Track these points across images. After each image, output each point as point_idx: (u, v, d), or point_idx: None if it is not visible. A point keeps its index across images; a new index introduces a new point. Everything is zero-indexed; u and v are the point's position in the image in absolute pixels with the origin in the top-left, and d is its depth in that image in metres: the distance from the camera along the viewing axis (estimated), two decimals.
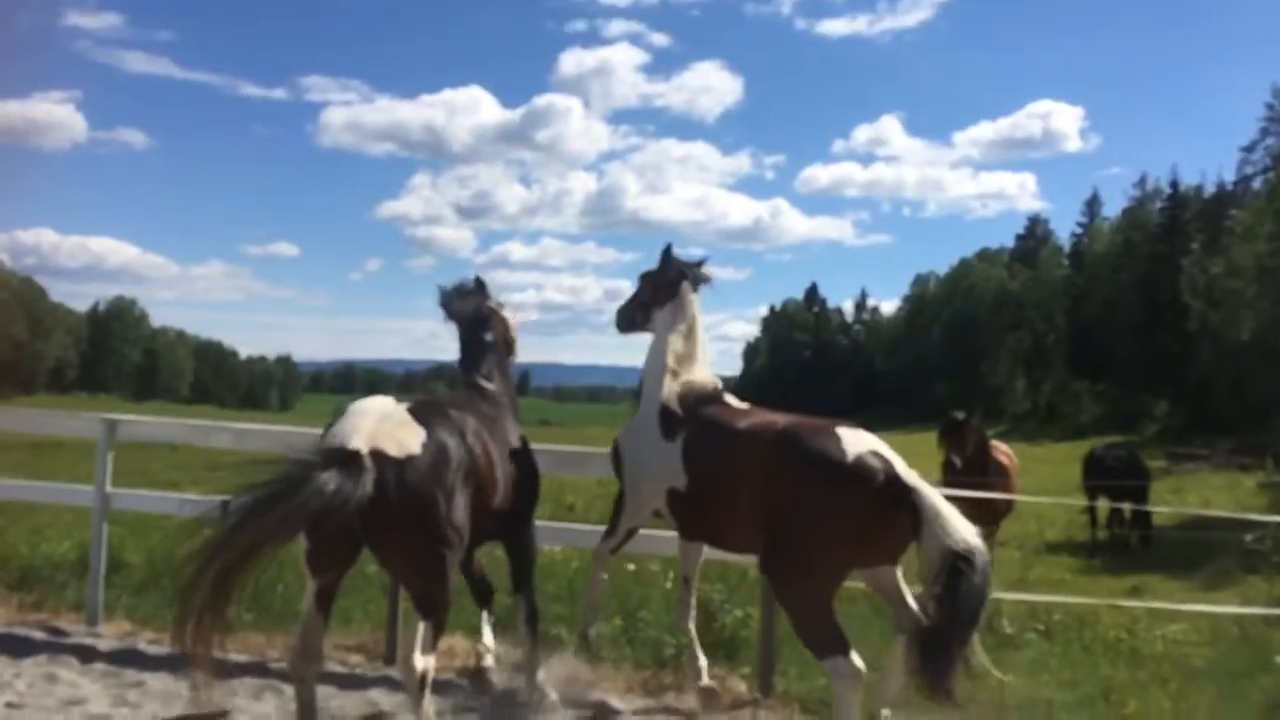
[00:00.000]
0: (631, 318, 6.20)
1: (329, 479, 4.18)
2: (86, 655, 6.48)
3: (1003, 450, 12.36)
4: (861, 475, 4.44)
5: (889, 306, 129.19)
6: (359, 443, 4.45)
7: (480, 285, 6.38)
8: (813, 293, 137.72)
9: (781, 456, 4.67)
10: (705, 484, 5.15)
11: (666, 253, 6.06)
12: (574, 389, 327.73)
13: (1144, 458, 20.77)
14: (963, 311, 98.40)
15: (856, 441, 4.58)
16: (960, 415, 11.53)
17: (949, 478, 10.91)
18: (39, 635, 6.92)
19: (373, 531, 4.47)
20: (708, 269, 6.05)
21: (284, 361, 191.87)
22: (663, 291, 5.97)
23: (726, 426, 5.17)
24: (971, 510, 9.71)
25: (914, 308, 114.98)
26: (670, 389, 5.59)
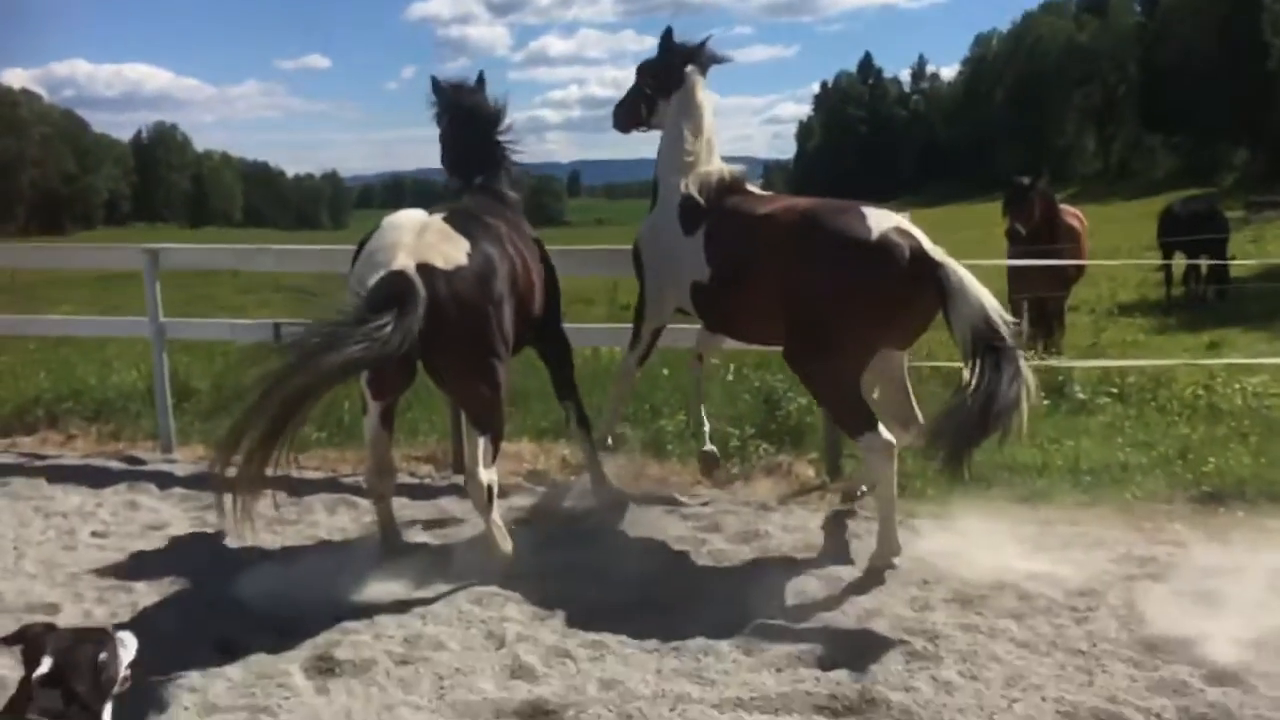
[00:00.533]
0: (634, 113, 5.90)
1: (385, 323, 4.04)
2: (164, 481, 6.62)
3: (1072, 213, 11.80)
4: (886, 252, 4.37)
5: (948, 72, 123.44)
6: (404, 260, 4.29)
7: (481, 80, 5.84)
8: (866, 64, 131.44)
9: (805, 238, 4.58)
10: (729, 274, 5.02)
11: (666, 38, 5.73)
12: (626, 185, 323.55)
13: (1223, 210, 19.86)
14: (1028, 70, 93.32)
15: (881, 220, 4.50)
16: (1025, 181, 10.95)
17: (1015, 247, 10.48)
18: (117, 465, 7.09)
19: (427, 349, 4.33)
20: (713, 49, 5.72)
21: (331, 178, 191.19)
22: (667, 81, 5.67)
23: (749, 214, 5.05)
24: (1042, 278, 9.52)
25: (975, 71, 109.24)
26: (689, 181, 5.39)
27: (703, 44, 5.70)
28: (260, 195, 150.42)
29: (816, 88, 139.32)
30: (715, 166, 5.45)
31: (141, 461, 7.18)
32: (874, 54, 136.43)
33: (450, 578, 4.67)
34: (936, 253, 4.44)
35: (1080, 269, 11.12)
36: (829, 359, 4.56)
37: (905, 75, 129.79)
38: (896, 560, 4.63)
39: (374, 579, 4.67)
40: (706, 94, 5.65)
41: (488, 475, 4.57)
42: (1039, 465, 6.11)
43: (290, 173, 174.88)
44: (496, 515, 4.69)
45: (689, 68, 5.62)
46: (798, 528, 5.32)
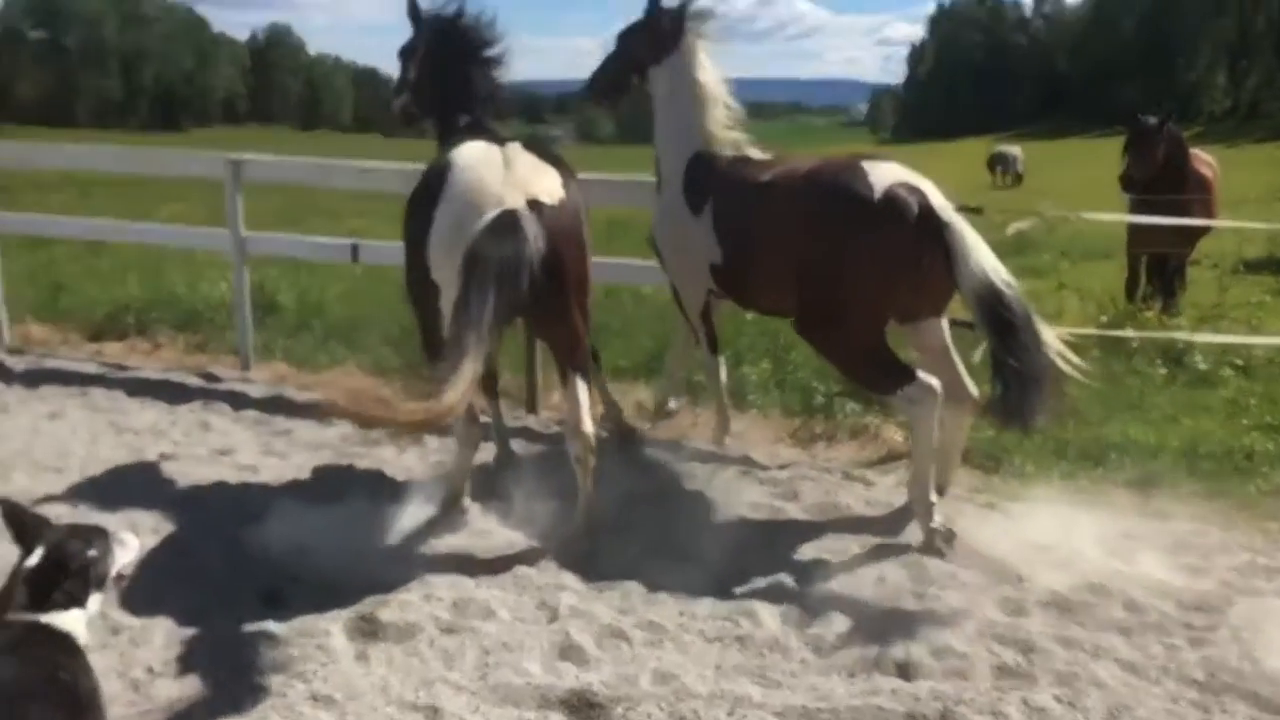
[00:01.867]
0: (616, 82, 5.51)
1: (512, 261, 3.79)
2: (238, 402, 6.55)
3: (1204, 160, 10.79)
4: (891, 211, 4.10)
5: None
6: (515, 199, 3.98)
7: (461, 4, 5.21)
8: None
9: (805, 203, 4.34)
10: (740, 250, 4.77)
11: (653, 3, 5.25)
12: None
13: None
14: None
15: (884, 175, 4.20)
16: (1151, 120, 9.99)
17: (1135, 196, 9.64)
18: (195, 381, 7.05)
19: (537, 289, 3.94)
20: (709, 6, 5.22)
21: None
22: (658, 46, 5.19)
23: (750, 184, 4.75)
24: (1165, 232, 8.72)
25: None
26: (698, 153, 5.07)
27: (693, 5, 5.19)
28: (369, 100, 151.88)
29: (932, 7, 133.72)
30: (725, 134, 5.08)
31: (219, 379, 7.14)
32: None
33: (510, 535, 4.47)
34: (945, 210, 4.14)
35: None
36: (838, 328, 4.31)
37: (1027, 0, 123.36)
38: (945, 546, 4.26)
39: (434, 530, 4.50)
40: (710, 58, 5.18)
41: (591, 425, 4.33)
42: (1153, 445, 5.60)
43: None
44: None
45: (685, 30, 5.14)
46: (881, 502, 4.94)
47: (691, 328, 5.48)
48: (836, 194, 4.22)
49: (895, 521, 4.70)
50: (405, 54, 5.32)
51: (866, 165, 4.27)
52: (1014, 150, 37.44)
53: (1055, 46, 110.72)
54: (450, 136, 4.81)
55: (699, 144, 5.08)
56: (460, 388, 3.46)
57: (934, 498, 4.35)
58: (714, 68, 5.17)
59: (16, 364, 7.31)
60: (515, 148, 4.33)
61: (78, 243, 10.89)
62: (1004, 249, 4.57)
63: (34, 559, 2.39)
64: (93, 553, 2.47)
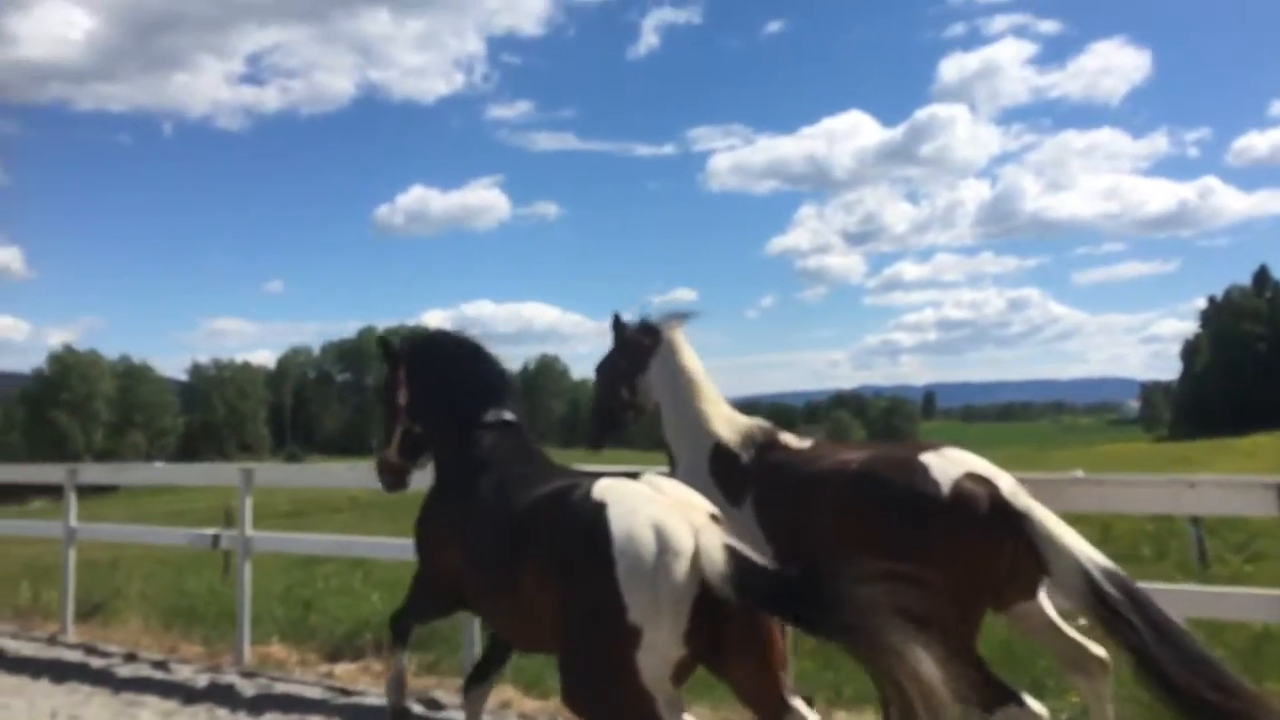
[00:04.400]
0: (611, 410, 5.49)
1: None
2: None
3: None
4: (961, 507, 3.86)
5: None
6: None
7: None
8: (1262, 276, 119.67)
9: (863, 502, 4.08)
10: (790, 546, 4.33)
11: (617, 323, 5.48)
12: (983, 408, 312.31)
13: None
14: None
15: (947, 467, 3.98)
16: None
17: None
18: (417, 710, 6.59)
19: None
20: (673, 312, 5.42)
21: None
22: (639, 355, 5.33)
23: (797, 473, 4.49)
24: None
25: None
26: (721, 439, 4.92)
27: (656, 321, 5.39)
28: None
29: (1202, 303, 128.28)
30: (743, 419, 5.02)
31: (441, 705, 6.65)
32: (1270, 265, 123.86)
33: None
34: (1019, 499, 3.89)
35: None
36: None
37: None
38: None
39: None
40: (688, 348, 5.29)
41: None
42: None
43: None
44: None
45: (664, 326, 5.31)
46: None
47: None
48: (897, 491, 3.97)
49: None
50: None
51: (926, 458, 4.03)
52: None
53: None
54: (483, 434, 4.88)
55: (716, 435, 4.95)
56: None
57: None
58: (695, 360, 5.26)
59: (246, 688, 7.17)
60: (669, 482, 4.04)
61: (342, 562, 11.18)
62: None
63: None
64: None
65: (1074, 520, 4.10)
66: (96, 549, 15.58)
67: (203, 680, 7.39)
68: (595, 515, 3.59)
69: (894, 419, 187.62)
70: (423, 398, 5.14)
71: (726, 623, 3.43)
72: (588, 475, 4.11)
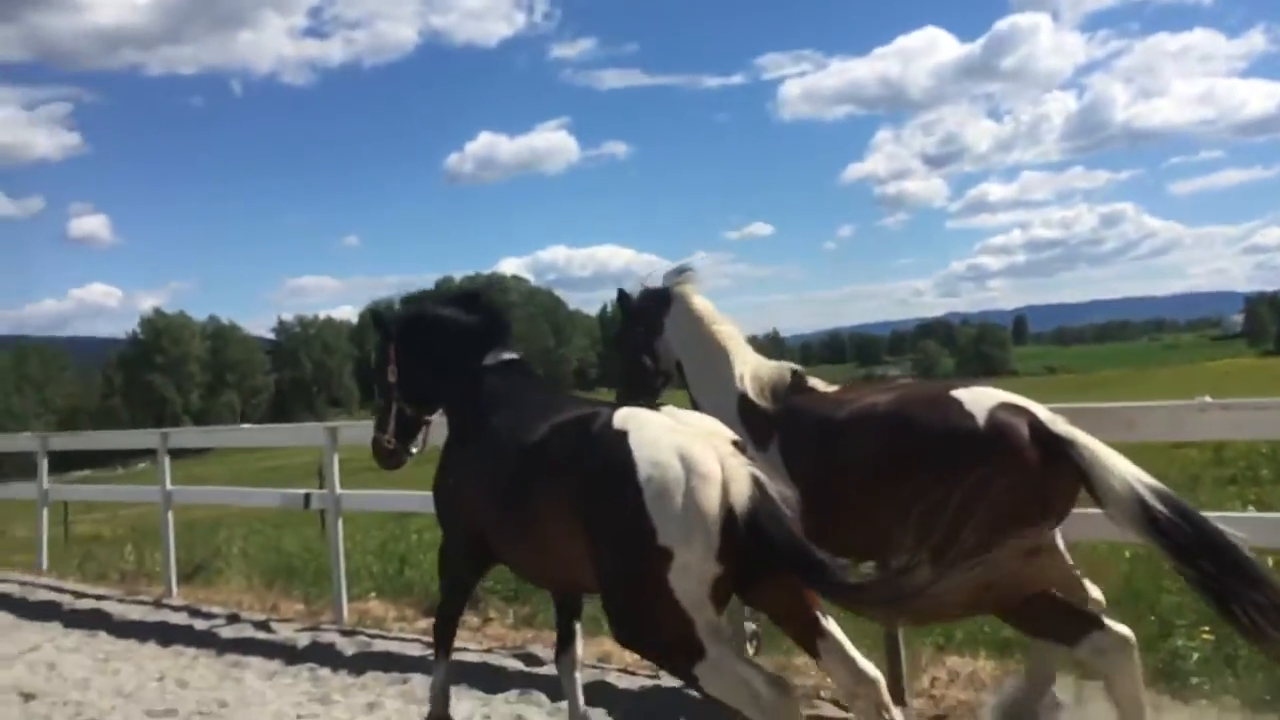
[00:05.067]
0: (642, 378, 5.32)
1: None
2: (556, 690, 5.86)
3: None
4: (1002, 438, 3.80)
5: None
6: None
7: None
8: None
9: (897, 442, 4.01)
10: (820, 492, 4.05)
11: (622, 298, 5.48)
12: (1078, 330, 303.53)
13: None
14: None
15: (980, 400, 3.94)
16: None
17: None
18: (514, 665, 6.50)
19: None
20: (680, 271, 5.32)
21: (773, 338, 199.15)
22: (653, 319, 5.25)
23: (824, 419, 4.43)
24: None
25: None
26: (748, 385, 4.81)
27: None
28: None
29: None
30: (768, 364, 4.92)
31: (539, 661, 6.54)
32: None
33: None
34: (1060, 425, 3.83)
35: None
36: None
37: None
38: None
39: None
40: (702, 299, 5.18)
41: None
42: None
43: None
44: None
45: (674, 286, 5.22)
46: None
47: None
48: (934, 428, 3.92)
49: None
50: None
51: (958, 394, 4.00)
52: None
53: None
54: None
55: (740, 388, 4.84)
56: None
57: None
58: (710, 307, 5.15)
59: (346, 646, 7.16)
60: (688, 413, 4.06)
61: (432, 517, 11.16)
62: None
63: None
64: None
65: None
66: (198, 509, 15.99)
67: (304, 640, 7.42)
68: (618, 442, 3.55)
69: (984, 346, 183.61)
70: (415, 369, 5.00)
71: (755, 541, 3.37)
72: (606, 404, 4.05)
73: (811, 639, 3.59)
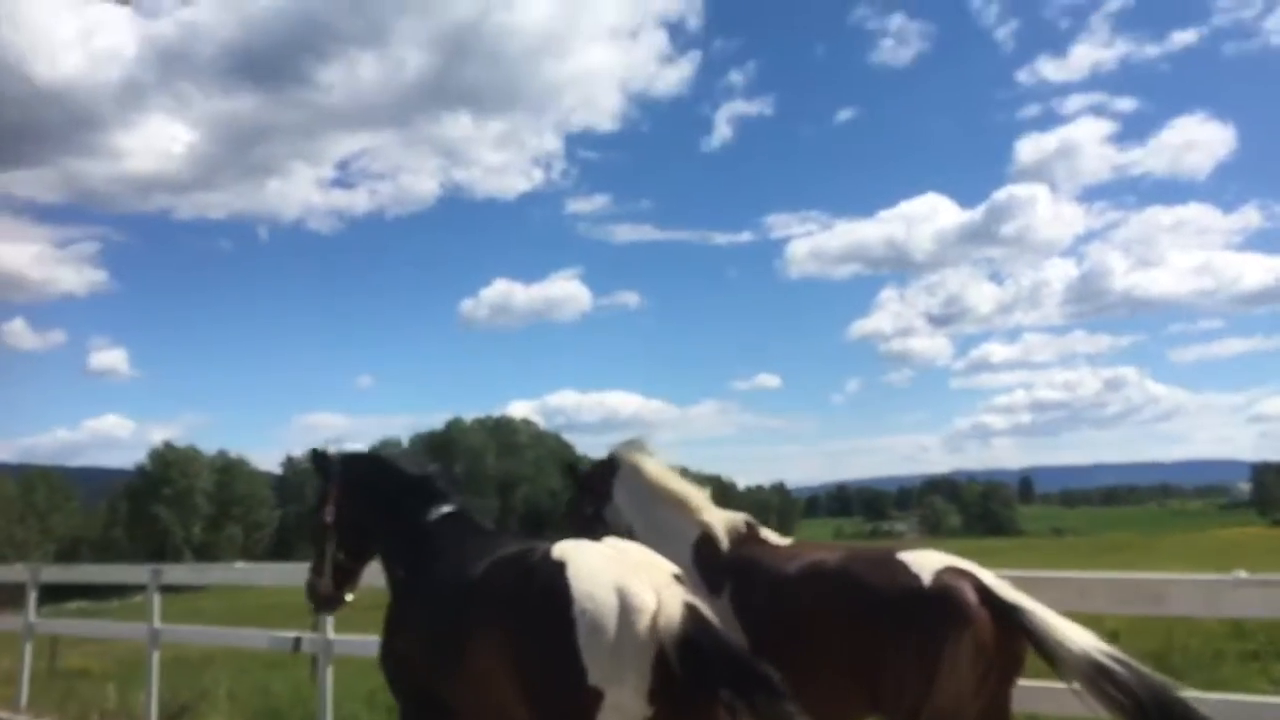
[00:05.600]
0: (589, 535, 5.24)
1: None
2: None
3: None
4: (946, 600, 3.86)
5: None
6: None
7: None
8: None
9: (844, 601, 4.06)
10: (769, 644, 4.17)
11: (570, 470, 5.78)
12: (1084, 492, 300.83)
13: None
14: None
15: (925, 562, 4.03)
16: None
17: None
18: None
19: None
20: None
21: (779, 489, 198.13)
22: (602, 483, 5.34)
23: (775, 571, 4.47)
24: None
25: None
26: (712, 526, 4.87)
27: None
28: (715, 503, 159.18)
29: None
30: (725, 513, 4.98)
31: None
32: None
33: None
34: (1006, 590, 3.94)
35: None
36: None
37: None
38: None
39: None
40: (653, 461, 5.27)
41: None
42: None
43: (741, 484, 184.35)
44: None
45: (613, 458, 5.36)
46: None
47: None
48: (879, 588, 3.98)
49: None
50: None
51: (903, 557, 4.10)
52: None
53: None
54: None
55: (697, 531, 4.89)
56: None
57: None
58: (661, 467, 5.23)
59: None
60: (630, 545, 4.10)
61: None
62: None
63: None
64: None
65: None
66: (191, 643, 15.48)
67: None
68: (554, 574, 3.52)
69: (990, 504, 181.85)
70: (356, 516, 4.81)
71: (682, 683, 3.33)
72: (547, 539, 3.99)
73: None
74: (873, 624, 3.92)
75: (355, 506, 4.81)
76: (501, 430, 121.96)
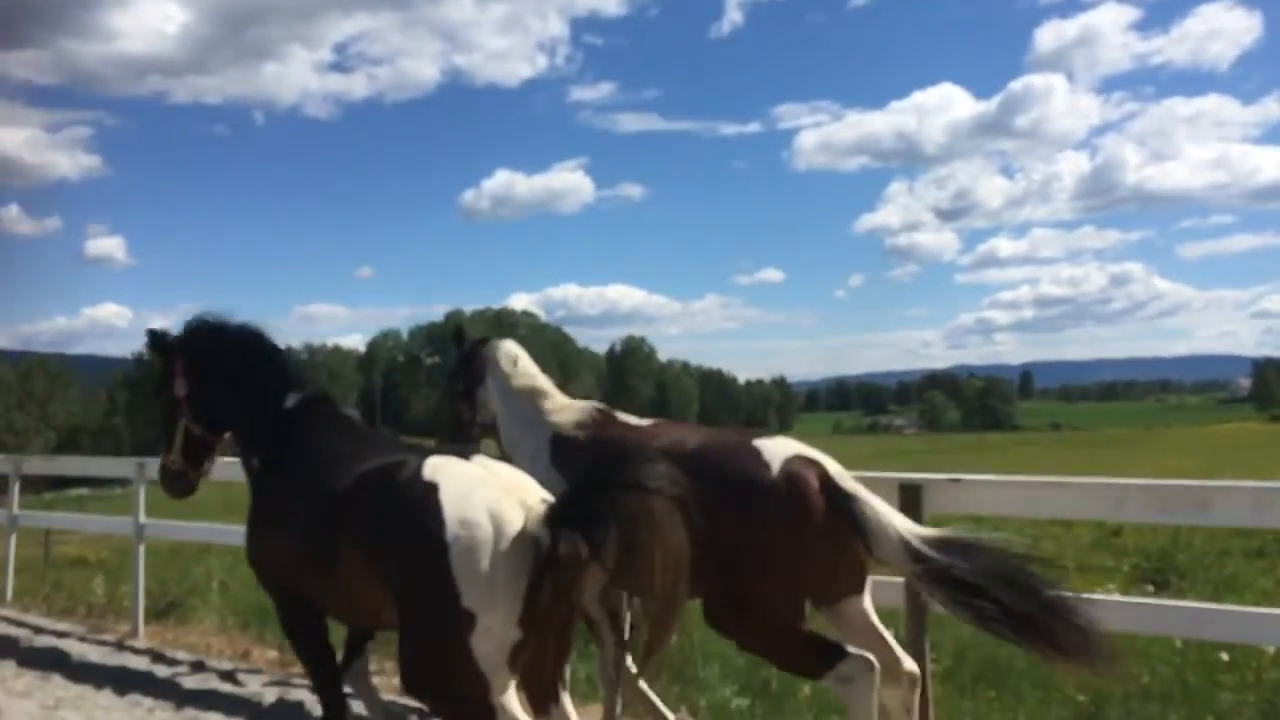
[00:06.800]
0: (457, 418, 5.50)
1: None
2: None
3: None
4: (791, 489, 4.01)
5: None
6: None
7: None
8: None
9: (696, 484, 3.81)
10: None
11: (458, 334, 5.85)
12: (1084, 387, 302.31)
13: None
14: None
15: (778, 451, 4.16)
16: None
17: None
18: None
19: None
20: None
21: (779, 383, 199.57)
22: (471, 372, 5.47)
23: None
24: None
25: None
26: (558, 418, 5.02)
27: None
28: (714, 398, 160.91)
29: None
30: (576, 403, 5.16)
31: None
32: None
33: None
34: (846, 481, 4.09)
35: None
36: (752, 617, 4.09)
37: None
38: None
39: None
40: (519, 352, 5.46)
41: None
42: None
43: (742, 378, 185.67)
44: None
45: (487, 344, 5.50)
46: None
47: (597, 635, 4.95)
48: (730, 473, 4.09)
49: None
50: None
51: (758, 444, 4.19)
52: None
53: None
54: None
55: (554, 425, 5.00)
56: None
57: None
58: (524, 367, 5.36)
59: (317, 706, 6.55)
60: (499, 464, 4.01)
61: None
62: None
63: None
64: None
65: None
66: None
67: (270, 695, 6.81)
68: (426, 497, 3.47)
69: (990, 399, 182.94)
70: (207, 393, 4.73)
71: (548, 607, 3.39)
72: (417, 451, 3.92)
73: (545, 704, 3.65)
74: (720, 506, 3.91)
75: (204, 382, 4.74)
76: (502, 322, 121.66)
